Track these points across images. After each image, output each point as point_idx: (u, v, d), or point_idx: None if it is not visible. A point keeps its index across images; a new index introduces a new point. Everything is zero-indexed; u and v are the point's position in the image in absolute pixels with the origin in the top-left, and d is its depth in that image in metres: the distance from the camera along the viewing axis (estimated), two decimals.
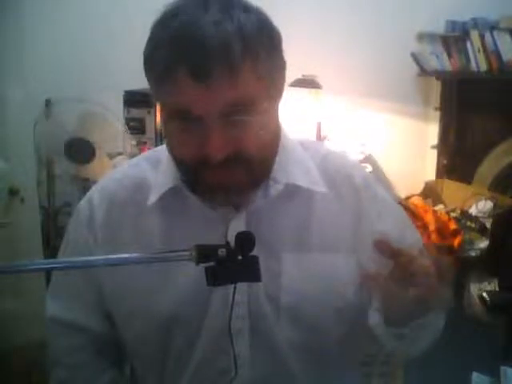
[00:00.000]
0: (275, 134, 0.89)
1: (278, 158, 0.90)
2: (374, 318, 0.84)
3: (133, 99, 2.74)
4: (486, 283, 2.33)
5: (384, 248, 0.77)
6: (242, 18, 0.76)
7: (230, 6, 0.77)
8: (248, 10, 0.79)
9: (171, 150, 0.86)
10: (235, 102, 0.76)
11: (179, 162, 0.85)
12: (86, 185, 2.53)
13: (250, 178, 0.84)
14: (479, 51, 2.81)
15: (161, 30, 0.78)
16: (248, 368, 0.90)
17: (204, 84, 0.74)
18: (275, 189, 0.89)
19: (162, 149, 0.98)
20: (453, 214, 2.72)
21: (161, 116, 0.84)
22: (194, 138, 0.79)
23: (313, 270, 0.90)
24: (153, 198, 0.91)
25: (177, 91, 0.76)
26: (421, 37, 3.08)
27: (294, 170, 0.91)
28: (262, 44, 0.77)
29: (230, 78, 0.74)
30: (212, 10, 0.76)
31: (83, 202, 0.98)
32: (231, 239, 0.73)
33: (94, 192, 0.98)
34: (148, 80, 0.81)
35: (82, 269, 0.93)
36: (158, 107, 0.85)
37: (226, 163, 0.79)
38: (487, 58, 2.79)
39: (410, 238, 1.00)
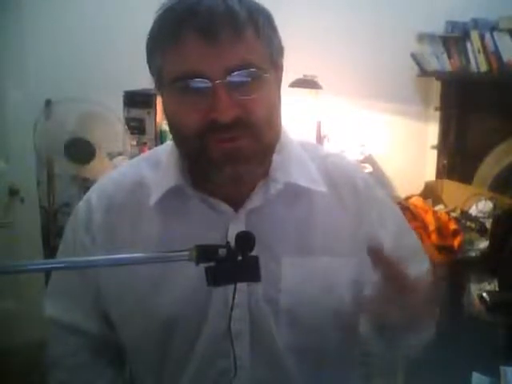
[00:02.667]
0: (278, 113, 0.88)
1: (278, 157, 0.89)
2: (364, 326, 0.86)
3: (133, 99, 2.75)
4: (486, 283, 2.33)
5: (377, 258, 0.77)
6: None
7: None
8: None
9: (177, 124, 0.84)
10: (241, 61, 0.78)
11: (185, 135, 0.84)
12: (85, 185, 2.53)
13: (256, 148, 0.83)
14: (479, 52, 2.81)
15: (162, 11, 0.81)
16: (248, 369, 0.89)
17: (211, 43, 0.76)
18: (275, 188, 0.89)
19: (162, 149, 0.97)
20: (453, 215, 2.73)
21: (165, 93, 0.84)
22: (201, 103, 0.79)
23: (312, 271, 0.90)
24: (154, 199, 0.91)
25: (183, 54, 0.78)
26: (421, 37, 3.08)
27: (294, 169, 0.91)
28: (262, 15, 0.82)
29: (235, 38, 0.77)
30: None
31: (81, 203, 0.98)
32: (231, 239, 0.72)
33: (92, 193, 0.98)
34: (153, 53, 0.83)
35: (81, 270, 0.93)
36: (159, 108, 0.85)
37: (232, 129, 0.79)
38: (487, 58, 2.79)
39: (409, 242, 1.00)
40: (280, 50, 0.86)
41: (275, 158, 0.89)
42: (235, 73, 0.78)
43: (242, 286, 0.85)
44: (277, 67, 0.86)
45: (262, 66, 0.81)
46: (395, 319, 0.77)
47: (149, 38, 0.83)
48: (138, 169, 0.97)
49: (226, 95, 0.78)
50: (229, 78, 0.78)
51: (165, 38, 0.80)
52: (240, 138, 0.80)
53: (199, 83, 0.78)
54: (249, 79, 0.79)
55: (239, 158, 0.82)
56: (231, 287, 0.81)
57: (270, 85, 0.83)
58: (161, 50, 0.81)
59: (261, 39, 0.81)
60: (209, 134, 0.80)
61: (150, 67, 0.85)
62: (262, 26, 0.81)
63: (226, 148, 0.81)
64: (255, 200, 0.89)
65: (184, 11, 0.78)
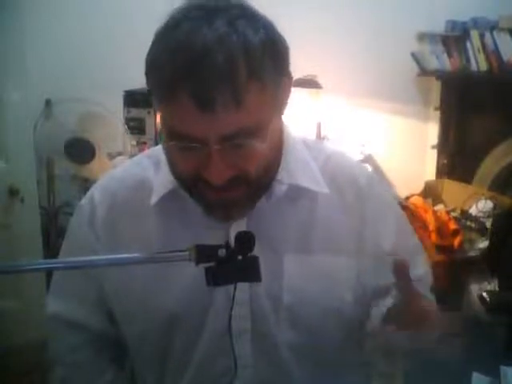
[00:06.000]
0: (278, 145, 0.88)
1: (282, 158, 0.89)
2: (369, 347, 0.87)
3: (133, 99, 2.74)
4: (486, 283, 2.33)
5: (401, 275, 0.75)
6: (249, 33, 0.74)
7: (237, 17, 0.75)
8: (255, 21, 0.76)
9: (170, 165, 0.85)
10: (239, 127, 0.74)
11: (179, 178, 0.84)
12: (85, 185, 2.52)
13: (253, 194, 0.83)
14: (479, 51, 2.81)
15: (162, 45, 0.75)
16: (249, 368, 0.90)
17: (207, 111, 0.72)
18: (279, 189, 0.89)
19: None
20: (453, 214, 2.73)
21: (162, 131, 0.82)
22: (194, 160, 0.78)
23: (315, 270, 0.90)
24: (154, 199, 0.91)
25: (178, 116, 0.75)
26: (421, 37, 3.08)
27: (297, 170, 0.91)
28: (268, 62, 0.75)
29: (234, 106, 0.72)
30: (216, 23, 0.73)
31: (84, 200, 0.98)
32: (232, 240, 0.72)
33: (96, 190, 0.98)
34: (151, 92, 0.80)
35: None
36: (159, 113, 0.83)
37: (227, 184, 0.78)
38: (487, 57, 2.79)
39: (410, 244, 1.00)
40: (288, 83, 0.81)
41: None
42: (231, 137, 0.75)
43: (243, 285, 0.85)
44: (282, 104, 0.82)
45: (264, 122, 0.77)
46: (406, 347, 0.76)
47: (146, 72, 0.78)
48: (140, 167, 0.97)
49: (220, 160, 0.75)
50: (224, 143, 0.75)
51: (159, 90, 0.76)
52: (235, 190, 0.80)
53: (193, 144, 0.75)
54: (246, 141, 0.76)
55: (234, 205, 0.82)
56: (233, 285, 0.81)
57: (271, 130, 0.80)
58: (155, 97, 0.78)
59: (264, 92, 0.75)
60: (202, 183, 0.79)
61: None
62: (269, 74, 0.75)
63: (221, 197, 0.80)
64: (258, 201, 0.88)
65: (179, 64, 0.72)
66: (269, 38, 0.76)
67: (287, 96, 0.83)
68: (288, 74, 0.81)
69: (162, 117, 0.80)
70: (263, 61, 0.74)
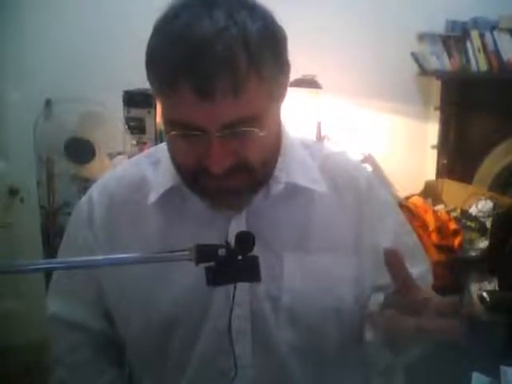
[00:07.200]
0: (277, 138, 0.89)
1: (280, 158, 0.90)
2: (370, 337, 0.85)
3: (133, 99, 2.74)
4: (486, 283, 2.33)
5: (393, 262, 0.74)
6: (248, 23, 0.74)
7: (236, 8, 0.75)
8: (254, 11, 0.77)
9: (172, 156, 0.85)
10: (238, 116, 0.75)
11: (179, 168, 0.85)
12: (85, 185, 2.52)
13: (252, 183, 0.84)
14: (479, 51, 2.81)
15: (162, 36, 0.76)
16: (249, 368, 0.89)
17: (207, 100, 0.73)
18: (276, 188, 0.89)
19: (163, 147, 0.96)
20: (453, 214, 2.73)
21: (163, 122, 0.83)
22: (195, 149, 0.78)
23: (313, 270, 0.90)
24: (153, 197, 0.91)
25: (179, 105, 0.75)
26: (421, 37, 3.08)
27: (295, 169, 0.91)
28: (267, 53, 0.76)
29: (233, 95, 0.73)
30: (216, 14, 0.74)
31: (83, 200, 0.98)
32: (231, 238, 0.72)
33: (94, 190, 0.98)
34: (150, 85, 0.80)
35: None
36: (159, 108, 0.84)
37: (227, 173, 0.78)
38: (487, 57, 2.79)
39: (408, 243, 1.00)
40: (286, 73, 0.82)
41: (278, 159, 0.90)
42: (231, 125, 0.75)
43: (243, 284, 0.85)
44: (281, 93, 0.83)
45: (263, 111, 0.78)
46: (407, 332, 0.70)
47: (146, 64, 0.79)
48: (139, 167, 0.97)
49: (220, 148, 0.76)
50: (225, 131, 0.76)
51: (159, 81, 0.76)
52: (235, 178, 0.80)
53: (194, 133, 0.76)
54: (246, 130, 0.77)
55: (233, 193, 0.82)
56: (233, 285, 0.81)
57: (270, 120, 0.81)
58: (155, 88, 0.78)
59: (264, 82, 0.76)
60: (203, 173, 0.80)
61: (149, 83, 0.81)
62: (267, 64, 0.76)
63: (221, 186, 0.81)
64: (256, 199, 0.89)
65: (179, 55, 0.73)
66: (267, 28, 0.77)
67: (286, 84, 0.84)
68: (286, 62, 0.81)
69: (162, 107, 0.80)
70: (262, 51, 0.75)
